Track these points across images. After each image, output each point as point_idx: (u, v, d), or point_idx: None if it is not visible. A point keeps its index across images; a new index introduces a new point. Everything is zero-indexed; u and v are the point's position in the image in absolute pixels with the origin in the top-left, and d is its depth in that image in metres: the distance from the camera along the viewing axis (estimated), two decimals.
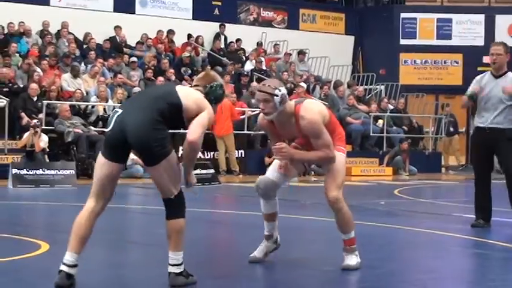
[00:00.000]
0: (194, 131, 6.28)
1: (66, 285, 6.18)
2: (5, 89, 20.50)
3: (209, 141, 21.79)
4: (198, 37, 27.95)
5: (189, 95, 6.45)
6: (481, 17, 29.96)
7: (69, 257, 6.23)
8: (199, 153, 21.44)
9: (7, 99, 19.91)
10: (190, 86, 6.84)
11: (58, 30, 25.28)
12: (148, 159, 6.32)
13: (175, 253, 6.27)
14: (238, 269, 7.44)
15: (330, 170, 7.58)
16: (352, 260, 7.57)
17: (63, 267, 6.20)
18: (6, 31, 24.28)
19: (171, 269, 6.28)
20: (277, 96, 7.05)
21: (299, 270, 7.68)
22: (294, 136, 7.69)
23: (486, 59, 29.11)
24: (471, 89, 10.82)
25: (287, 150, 7.18)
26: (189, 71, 25.63)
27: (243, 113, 22.87)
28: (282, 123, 7.46)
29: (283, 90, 7.17)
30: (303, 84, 25.50)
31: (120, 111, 6.36)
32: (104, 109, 21.67)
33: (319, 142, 7.20)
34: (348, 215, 7.65)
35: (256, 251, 7.68)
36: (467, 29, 29.88)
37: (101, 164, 6.37)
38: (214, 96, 6.58)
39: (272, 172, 7.78)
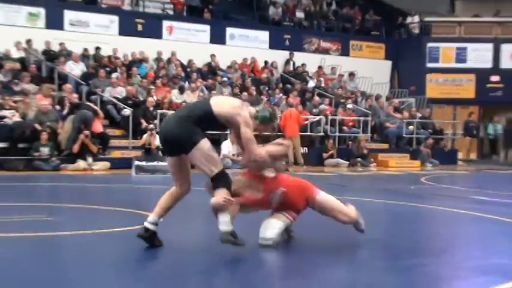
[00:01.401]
0: (245, 131, 6.37)
1: (144, 236, 6.49)
2: (129, 102, 20.76)
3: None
4: (272, 62, 28.00)
5: (220, 102, 6.53)
6: (489, 46, 29.54)
7: (150, 217, 6.55)
8: None
9: (131, 109, 20.16)
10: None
11: (168, 58, 25.49)
12: (181, 149, 6.40)
13: (222, 215, 6.25)
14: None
15: (326, 210, 7.01)
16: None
17: (144, 223, 6.53)
18: (130, 58, 24.57)
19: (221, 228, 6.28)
20: None
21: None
22: None
23: (492, 78, 29.19)
24: None
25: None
26: (266, 88, 25.69)
27: (306, 119, 22.83)
28: None
29: None
30: (350, 106, 25.41)
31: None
32: None
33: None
34: (351, 215, 7.12)
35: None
36: (479, 55, 29.50)
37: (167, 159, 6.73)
38: (262, 117, 6.62)
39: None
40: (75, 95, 20.23)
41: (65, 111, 19.32)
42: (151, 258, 6.41)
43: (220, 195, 6.25)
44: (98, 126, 19.08)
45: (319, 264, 6.31)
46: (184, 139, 6.30)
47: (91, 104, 19.70)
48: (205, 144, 6.30)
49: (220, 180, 6.30)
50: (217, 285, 5.64)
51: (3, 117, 18.58)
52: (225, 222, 6.24)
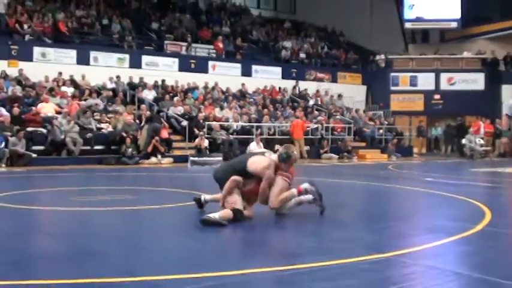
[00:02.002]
0: (272, 199, 6.50)
1: (197, 201, 6.63)
2: (186, 116, 20.81)
3: (289, 142, 21.80)
4: (284, 88, 27.94)
5: (255, 163, 6.53)
6: (432, 74, 29.38)
7: (208, 196, 6.62)
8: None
9: (187, 121, 20.20)
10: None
11: (213, 86, 25.52)
12: (220, 186, 6.52)
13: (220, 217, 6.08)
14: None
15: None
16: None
17: (201, 196, 6.63)
18: (186, 87, 24.64)
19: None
20: None
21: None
22: None
23: (435, 97, 29.09)
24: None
25: None
26: (280, 106, 25.65)
27: (308, 127, 22.78)
28: None
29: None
30: (339, 117, 25.43)
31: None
32: (236, 126, 21.82)
33: None
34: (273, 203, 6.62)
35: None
36: (426, 81, 29.35)
37: None
38: (282, 158, 6.59)
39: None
40: (149, 113, 20.36)
41: (142, 123, 19.42)
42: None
43: (227, 212, 6.18)
44: (164, 133, 19.17)
45: (318, 225, 6.28)
46: (221, 181, 6.49)
47: (160, 118, 19.88)
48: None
49: (233, 210, 6.23)
50: (251, 241, 5.62)
51: (101, 128, 18.77)
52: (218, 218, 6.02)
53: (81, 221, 6.73)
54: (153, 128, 18.68)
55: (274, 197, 6.56)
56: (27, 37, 22.61)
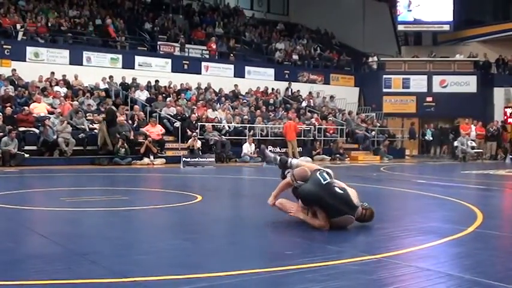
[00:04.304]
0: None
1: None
2: (178, 117, 20.78)
3: (283, 143, 21.80)
4: (277, 89, 27.97)
5: None
6: (424, 77, 29.52)
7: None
8: (279, 149, 21.57)
9: (180, 122, 20.17)
10: None
11: (206, 87, 25.51)
12: None
13: None
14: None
15: None
16: None
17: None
18: (179, 87, 24.61)
19: None
20: None
21: None
22: None
23: (427, 99, 29.17)
24: None
25: None
26: (273, 107, 25.66)
27: (300, 128, 22.81)
28: None
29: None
30: (331, 118, 25.42)
31: None
32: (229, 127, 21.79)
33: None
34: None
35: None
36: (418, 83, 29.47)
37: None
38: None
39: None
40: (142, 113, 20.33)
41: (100, 120, 18.69)
42: (195, 224, 6.39)
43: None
44: (157, 135, 19.15)
45: (309, 227, 6.27)
46: None
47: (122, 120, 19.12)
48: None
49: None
50: (243, 242, 5.60)
51: (94, 128, 18.68)
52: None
53: (73, 221, 6.69)
54: (114, 131, 18.06)
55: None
56: (20, 37, 22.52)
